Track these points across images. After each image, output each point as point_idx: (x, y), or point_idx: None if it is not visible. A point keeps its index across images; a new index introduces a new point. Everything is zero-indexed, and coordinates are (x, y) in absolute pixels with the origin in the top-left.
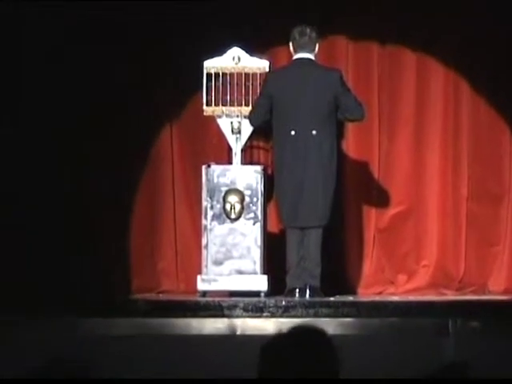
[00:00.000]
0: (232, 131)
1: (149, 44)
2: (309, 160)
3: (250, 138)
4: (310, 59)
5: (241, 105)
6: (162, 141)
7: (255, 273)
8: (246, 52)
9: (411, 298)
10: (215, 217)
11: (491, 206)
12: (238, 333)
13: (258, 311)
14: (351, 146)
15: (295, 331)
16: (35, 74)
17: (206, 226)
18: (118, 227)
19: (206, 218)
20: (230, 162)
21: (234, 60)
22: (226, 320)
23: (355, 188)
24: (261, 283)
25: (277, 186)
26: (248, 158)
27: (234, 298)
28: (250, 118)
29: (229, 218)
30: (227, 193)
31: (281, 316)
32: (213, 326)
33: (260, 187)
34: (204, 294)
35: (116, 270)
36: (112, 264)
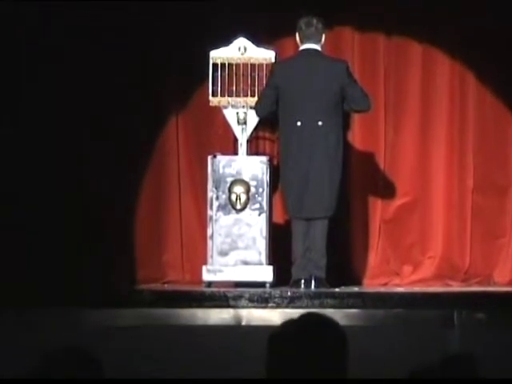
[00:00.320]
0: (238, 122)
1: (154, 35)
2: (315, 151)
3: (256, 128)
4: (316, 50)
5: (247, 95)
6: (167, 131)
7: (261, 263)
8: (252, 42)
9: (416, 289)
10: (221, 207)
11: (497, 198)
12: (244, 323)
13: (263, 302)
14: (357, 137)
15: (304, 319)
16: (35, 72)
17: (211, 217)
18: (124, 218)
19: (211, 208)
20: (235, 153)
21: (240, 50)
22: (231, 310)
23: (361, 179)
24: (266, 274)
25: (282, 177)
26: (254, 149)
27: (239, 289)
28: (256, 108)
29: (234, 208)
30: (233, 183)
31: (286, 307)
32: (218, 316)
33: (266, 178)
34: (209, 284)
35: (122, 261)
36: (118, 255)
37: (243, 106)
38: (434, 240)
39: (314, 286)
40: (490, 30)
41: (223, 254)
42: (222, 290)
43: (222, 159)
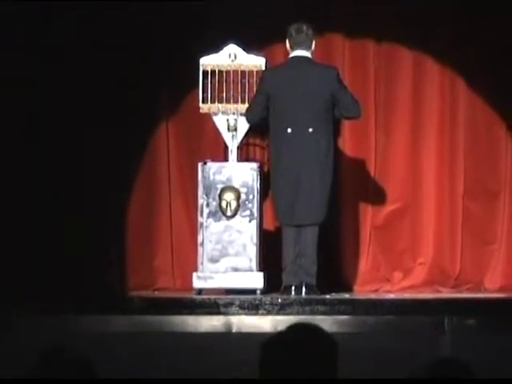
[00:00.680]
0: (228, 129)
1: (144, 42)
2: (305, 158)
3: (246, 135)
4: (306, 57)
5: (237, 102)
6: (158, 138)
7: (251, 270)
8: (243, 49)
9: (407, 295)
10: (211, 214)
11: (487, 204)
12: (234, 330)
13: (253, 309)
14: (348, 144)
15: (294, 329)
16: (33, 74)
17: (201, 224)
18: (115, 224)
19: (201, 215)
20: (226, 160)
21: (231, 57)
22: (221, 317)
23: (352, 185)
24: (257, 281)
25: (273, 184)
26: (244, 156)
27: (229, 296)
28: (247, 115)
29: (225, 215)
30: (223, 190)
31: (277, 314)
32: (209, 323)
33: (256, 185)
34: (200, 291)
35: (112, 268)
36: (108, 261)
37: (233, 113)
38: (425, 246)
39: (305, 293)
40: (480, 35)
41: (214, 260)
42: (213, 296)
43: (212, 166)
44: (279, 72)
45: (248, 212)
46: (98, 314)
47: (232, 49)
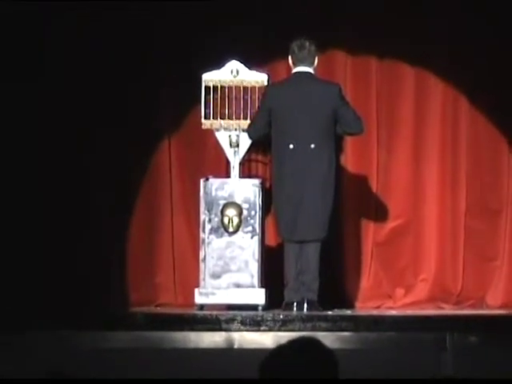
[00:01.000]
0: (230, 144)
1: (146, 57)
2: (307, 174)
3: (249, 151)
4: (309, 73)
5: (239, 118)
6: (160, 154)
7: (253, 286)
8: (245, 65)
9: (409, 312)
10: (213, 230)
11: (489, 221)
12: (236, 346)
13: (255, 325)
14: (350, 160)
15: (295, 344)
16: (35, 87)
17: (203, 240)
18: (116, 240)
19: (203, 231)
20: (228, 176)
21: (233, 73)
22: (223, 333)
23: (353, 202)
24: (258, 297)
25: (275, 200)
26: (246, 172)
27: (231, 312)
28: (249, 131)
29: (227, 231)
30: (225, 206)
31: (278, 330)
32: (210, 339)
33: (258, 201)
34: (202, 307)
35: (114, 283)
36: (110, 277)
37: (236, 129)
38: (427, 263)
39: (307, 309)
40: (484, 53)
41: (215, 276)
42: (215, 312)
43: (214, 182)
44: (282, 88)
45: (250, 228)
46: (100, 329)
47: (234, 65)
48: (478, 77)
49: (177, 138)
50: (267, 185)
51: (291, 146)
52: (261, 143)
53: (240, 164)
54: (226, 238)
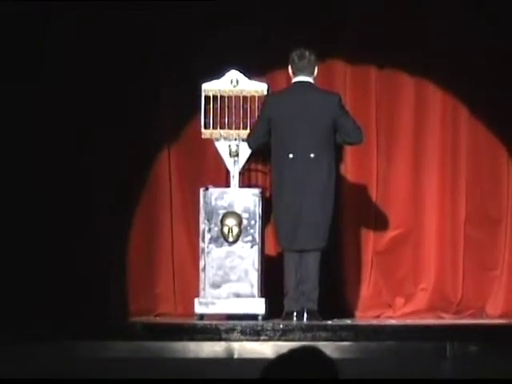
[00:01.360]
0: (230, 154)
1: (147, 66)
2: (307, 183)
3: (248, 160)
4: (308, 82)
5: (239, 128)
6: (160, 163)
7: (253, 296)
8: (245, 75)
9: (409, 321)
10: (213, 240)
11: (489, 230)
12: (236, 356)
13: (255, 335)
14: (349, 169)
15: (295, 353)
16: (35, 87)
17: (203, 249)
18: (116, 249)
19: (203, 240)
20: (227, 185)
21: (232, 83)
22: (223, 343)
23: (353, 211)
24: (258, 306)
25: (275, 209)
26: (246, 181)
27: (231, 322)
28: (249, 140)
29: (226, 240)
30: (225, 216)
31: (278, 339)
32: (210, 349)
33: (258, 210)
34: (201, 317)
35: (114, 293)
36: (110, 287)
37: (235, 139)
38: (427, 272)
39: (307, 319)
40: (483, 61)
41: (215, 286)
42: (214, 322)
43: (214, 191)
44: (281, 97)
45: (250, 238)
46: (100, 339)
47: (234, 74)
48: (478, 86)
49: (176, 148)
50: (267, 194)
51: (291, 156)
52: (260, 152)
53: (240, 173)
54: (225, 248)
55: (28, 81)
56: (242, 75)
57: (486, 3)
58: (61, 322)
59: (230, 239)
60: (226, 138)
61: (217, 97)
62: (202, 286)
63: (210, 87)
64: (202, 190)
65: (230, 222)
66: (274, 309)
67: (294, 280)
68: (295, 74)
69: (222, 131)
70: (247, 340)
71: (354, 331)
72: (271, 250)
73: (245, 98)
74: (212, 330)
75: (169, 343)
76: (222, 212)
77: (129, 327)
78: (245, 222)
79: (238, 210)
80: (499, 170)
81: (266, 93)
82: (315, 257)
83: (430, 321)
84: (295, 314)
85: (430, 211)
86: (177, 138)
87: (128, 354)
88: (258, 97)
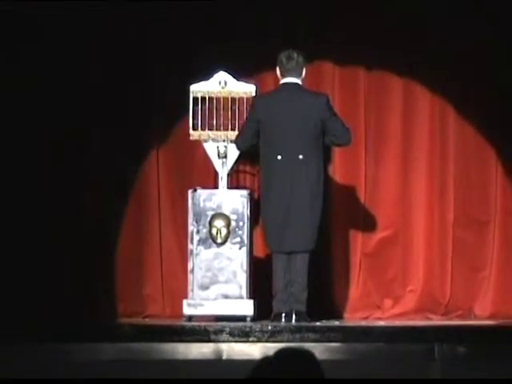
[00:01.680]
0: (218, 155)
1: (135, 69)
2: (295, 184)
3: (237, 162)
4: (296, 84)
5: (227, 129)
6: (148, 165)
7: (241, 297)
8: (233, 76)
9: (397, 322)
10: (201, 241)
11: (477, 232)
12: (224, 357)
13: (244, 336)
14: (338, 171)
15: (283, 354)
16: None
17: (191, 251)
18: (104, 251)
19: (192, 242)
20: (216, 187)
21: (221, 84)
22: (211, 345)
23: (342, 213)
24: (247, 308)
25: (263, 211)
26: (234, 183)
27: (220, 323)
28: (237, 142)
29: (215, 242)
30: (213, 217)
31: (267, 341)
32: (199, 350)
33: (246, 212)
34: (190, 318)
35: (102, 295)
36: (98, 288)
37: (224, 140)
38: (415, 273)
39: (295, 320)
40: (471, 63)
41: (204, 287)
42: (203, 324)
43: (202, 193)
44: (270, 99)
45: (238, 239)
46: (88, 341)
47: (222, 76)
48: (466, 87)
49: (165, 149)
50: (255, 196)
51: (279, 157)
52: (249, 154)
53: (228, 175)
54: (214, 249)
55: (28, 80)
56: (230, 76)
57: (474, 4)
58: (49, 323)
59: (219, 241)
60: (214, 140)
61: (205, 98)
62: (190, 288)
63: (198, 88)
64: (190, 192)
65: (219, 223)
66: (263, 310)
67: (282, 281)
68: (283, 76)
69: (210, 132)
70: (236, 341)
71: (343, 332)
72: (260, 252)
73: (233, 99)
74: (200, 331)
75: (157, 344)
76: (210, 213)
77: (117, 329)
78: (233, 223)
79: (227, 212)
80: (487, 171)
81: (254, 94)
82: (304, 258)
83: (418, 322)
84: (284, 315)
85: (419, 212)
86: (165, 140)
87: (116, 355)
88: (247, 98)
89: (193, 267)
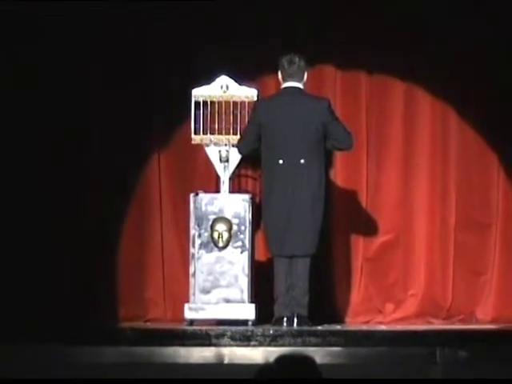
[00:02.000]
0: (220, 160)
1: (137, 73)
2: (297, 189)
3: (238, 166)
4: (298, 88)
5: (229, 133)
6: (150, 169)
7: (243, 301)
8: (235, 80)
9: (399, 326)
10: (203, 245)
11: (479, 235)
12: (226, 362)
13: (245, 340)
14: (339, 175)
15: (285, 360)
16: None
17: (193, 255)
18: (105, 253)
19: (193, 246)
20: (217, 191)
21: (222, 88)
22: (213, 349)
23: (343, 216)
24: (248, 312)
25: (265, 215)
26: (236, 187)
27: (221, 327)
28: (239, 146)
29: (216, 246)
30: (215, 221)
31: (268, 345)
32: (200, 354)
33: (248, 216)
34: (191, 322)
35: (104, 299)
36: (100, 292)
37: (225, 144)
38: (417, 277)
39: (297, 324)
40: (472, 67)
41: (205, 291)
42: (204, 328)
43: (204, 197)
44: (271, 103)
45: (240, 243)
46: (90, 344)
47: (224, 80)
48: (467, 91)
49: (167, 153)
50: (257, 200)
51: (281, 161)
52: (250, 158)
53: (230, 179)
54: (215, 253)
55: (28, 81)
56: (232, 80)
57: (474, 4)
58: (50, 326)
59: (220, 245)
60: (216, 144)
61: (207, 102)
62: (191, 292)
63: (200, 93)
64: (192, 196)
65: (220, 227)
66: (264, 314)
67: (283, 285)
68: (285, 80)
69: (212, 137)
70: (237, 345)
71: (345, 337)
72: (261, 256)
73: (235, 103)
74: (202, 335)
75: (159, 348)
76: (212, 217)
77: (118, 332)
78: (235, 227)
79: (228, 216)
80: (489, 175)
81: (255, 98)
82: (305, 262)
83: (420, 326)
84: (285, 319)
85: (420, 216)
86: (167, 144)
87: (118, 359)
88: (248, 102)
89: (194, 271)
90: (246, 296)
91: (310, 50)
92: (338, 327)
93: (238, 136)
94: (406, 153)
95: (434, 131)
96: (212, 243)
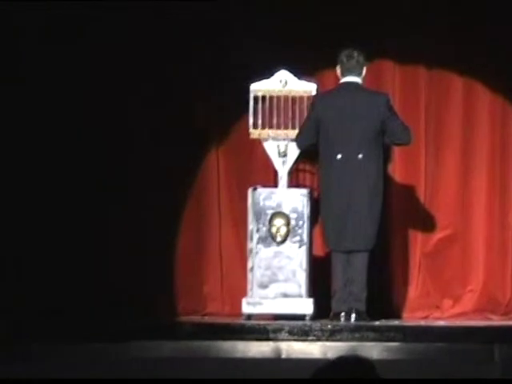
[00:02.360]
0: (278, 154)
1: (196, 67)
2: (355, 183)
3: (297, 161)
4: (357, 83)
5: (287, 128)
6: (208, 164)
7: (300, 296)
8: (294, 75)
9: (457, 322)
10: (261, 240)
11: None
12: (283, 356)
13: (303, 335)
14: (397, 170)
15: (342, 361)
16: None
17: (251, 249)
18: (165, 250)
19: (251, 240)
20: (275, 185)
21: (281, 83)
22: (271, 343)
23: (401, 212)
24: (306, 307)
25: (323, 210)
26: (294, 181)
27: (279, 322)
28: (297, 141)
29: (274, 241)
30: (273, 216)
31: (326, 340)
32: (258, 349)
33: (306, 210)
34: (249, 317)
35: (162, 293)
36: (158, 286)
37: (284, 139)
38: (475, 273)
39: (355, 319)
40: None
41: (263, 286)
42: (262, 322)
43: (262, 192)
44: (330, 98)
45: (298, 238)
46: (148, 339)
47: (283, 75)
48: None
49: (225, 148)
50: (315, 194)
51: (339, 156)
52: (309, 153)
53: (288, 174)
54: (273, 248)
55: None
56: (291, 75)
57: None
58: (109, 322)
59: (278, 239)
60: (274, 138)
61: (265, 97)
62: (249, 286)
63: (258, 87)
64: (250, 191)
65: (278, 222)
66: (322, 309)
67: (341, 280)
68: (343, 75)
69: (270, 131)
70: (295, 340)
71: (403, 332)
72: (319, 250)
73: (293, 98)
74: (260, 329)
75: (216, 343)
76: (270, 212)
77: (177, 327)
78: (293, 222)
79: (286, 211)
80: None
81: (314, 93)
82: (363, 257)
83: (478, 322)
84: (343, 314)
85: (479, 212)
86: (225, 139)
87: (176, 353)
88: (307, 97)
89: (252, 266)
90: (303, 291)
91: (369, 45)
92: (396, 322)
93: (297, 131)
94: (464, 148)
95: (493, 127)
96: (270, 238)
